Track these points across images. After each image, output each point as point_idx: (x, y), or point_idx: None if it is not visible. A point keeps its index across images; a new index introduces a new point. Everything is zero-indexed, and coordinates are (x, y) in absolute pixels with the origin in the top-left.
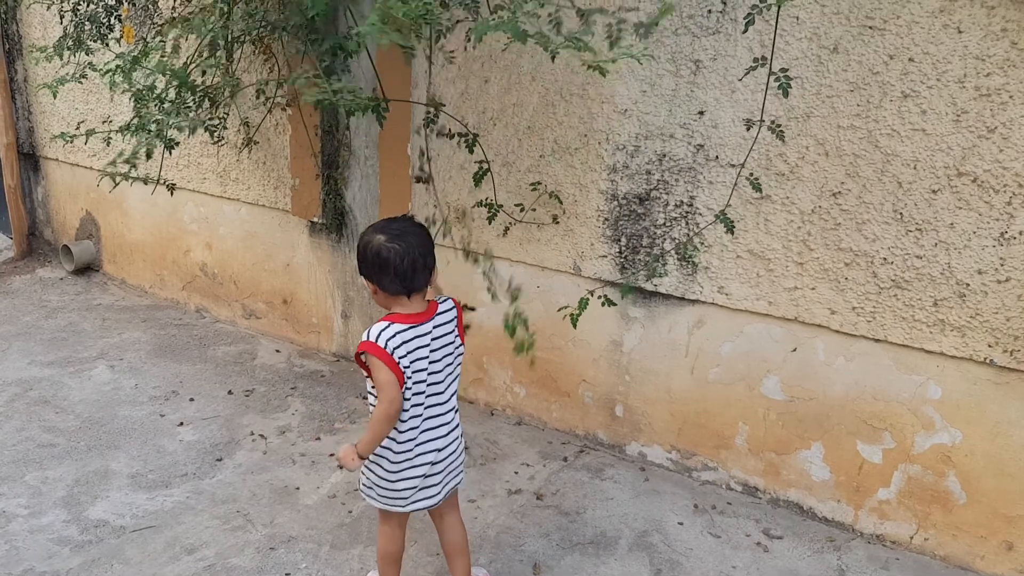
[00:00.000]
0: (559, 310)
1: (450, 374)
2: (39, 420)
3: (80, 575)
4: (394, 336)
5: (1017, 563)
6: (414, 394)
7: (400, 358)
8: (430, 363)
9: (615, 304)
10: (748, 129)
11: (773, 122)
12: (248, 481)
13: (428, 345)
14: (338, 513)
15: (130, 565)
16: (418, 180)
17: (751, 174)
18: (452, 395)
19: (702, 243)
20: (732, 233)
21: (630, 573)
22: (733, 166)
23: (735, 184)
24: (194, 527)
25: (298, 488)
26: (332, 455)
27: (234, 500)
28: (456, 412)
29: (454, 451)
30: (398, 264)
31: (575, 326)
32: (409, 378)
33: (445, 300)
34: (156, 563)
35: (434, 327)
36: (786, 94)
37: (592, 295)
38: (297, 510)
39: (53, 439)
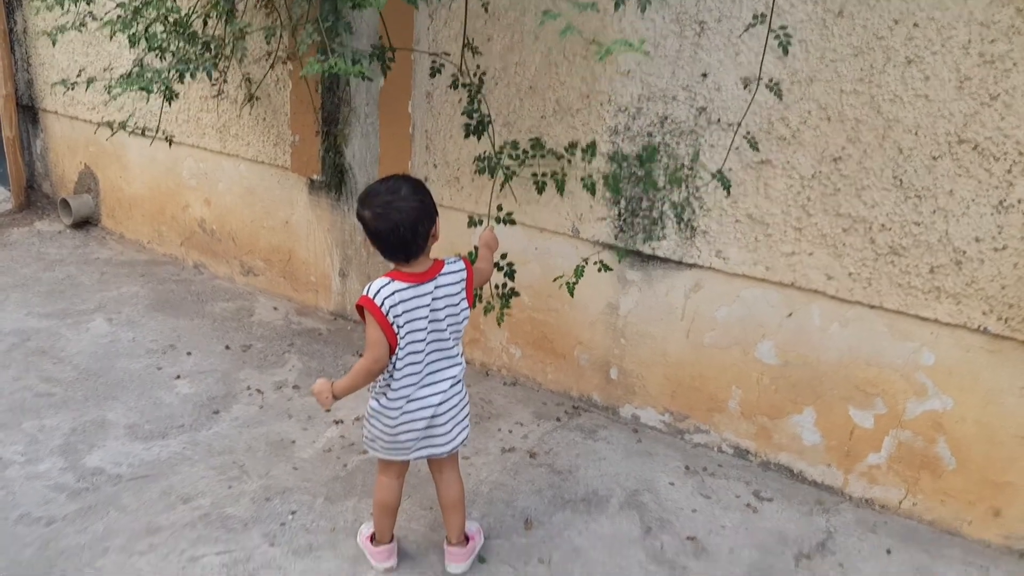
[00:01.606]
0: (555, 280)
1: (454, 333)
2: (36, 370)
3: (76, 521)
4: (392, 295)
5: (1004, 528)
6: (408, 354)
7: (395, 317)
8: (430, 322)
9: (611, 269)
10: (745, 87)
11: (771, 80)
12: (244, 434)
13: (428, 305)
14: (333, 467)
15: (126, 512)
16: (468, 134)
17: (748, 132)
18: (455, 353)
19: (701, 207)
20: (729, 193)
21: (621, 530)
22: (731, 125)
23: (732, 143)
24: (190, 477)
25: (294, 442)
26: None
27: (230, 452)
28: (460, 368)
29: (456, 404)
30: (387, 239)
31: (572, 294)
32: (403, 338)
33: (455, 260)
34: (152, 511)
35: (436, 287)
36: (785, 51)
37: (587, 262)
38: (292, 463)
39: (50, 389)
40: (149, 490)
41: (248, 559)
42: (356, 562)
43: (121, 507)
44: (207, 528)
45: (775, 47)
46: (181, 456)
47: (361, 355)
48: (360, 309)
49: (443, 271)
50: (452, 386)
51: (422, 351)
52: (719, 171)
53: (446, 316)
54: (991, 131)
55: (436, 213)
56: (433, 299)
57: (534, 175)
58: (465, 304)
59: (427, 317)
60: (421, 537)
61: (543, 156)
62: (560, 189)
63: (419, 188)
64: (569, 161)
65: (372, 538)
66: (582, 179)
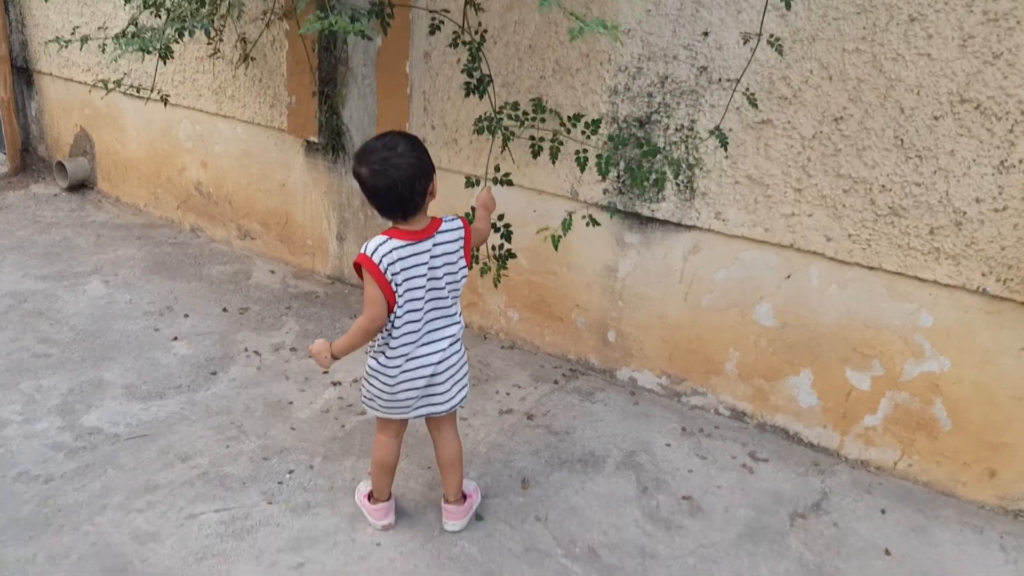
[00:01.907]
0: (538, 231)
1: (452, 292)
2: (33, 331)
3: (74, 479)
4: (390, 252)
5: (999, 490)
6: (406, 312)
7: (394, 275)
8: (428, 280)
9: (599, 224)
10: (745, 43)
11: (772, 37)
12: (242, 395)
13: (427, 263)
14: (331, 427)
15: (124, 471)
16: (468, 93)
17: (748, 91)
18: (453, 312)
19: (701, 168)
20: (726, 149)
21: (617, 490)
22: (730, 81)
23: (731, 102)
24: (188, 436)
25: (291, 403)
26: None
27: (228, 412)
28: (459, 327)
29: (455, 364)
30: (385, 196)
31: (556, 248)
32: (401, 296)
33: (453, 219)
34: (150, 469)
35: (434, 245)
36: (788, 7)
37: (571, 215)
38: (290, 423)
39: (47, 349)
40: (147, 449)
41: (246, 516)
42: (354, 520)
43: (119, 466)
44: (205, 486)
45: (777, 4)
46: (179, 416)
47: (358, 316)
48: (358, 267)
49: (441, 229)
50: (451, 345)
51: (421, 309)
52: (717, 127)
53: (444, 275)
54: (993, 90)
55: (433, 170)
56: (431, 257)
57: (531, 139)
58: (463, 263)
59: (425, 275)
60: (419, 495)
61: (543, 120)
62: (554, 158)
63: (416, 144)
64: (568, 131)
65: (370, 496)
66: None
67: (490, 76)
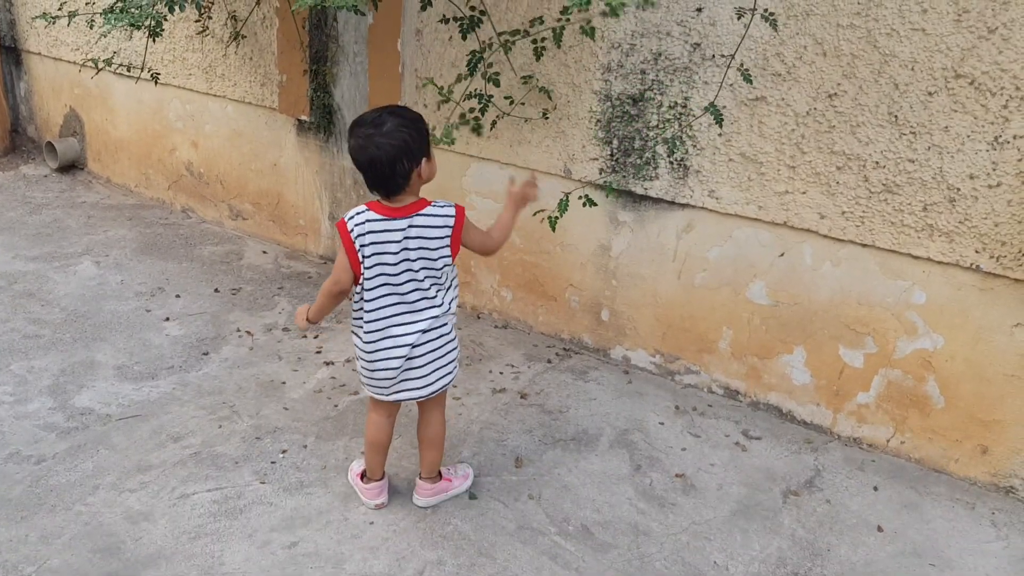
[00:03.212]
0: (534, 213)
1: (429, 277)
2: (24, 312)
3: (66, 459)
4: (363, 223)
5: (990, 467)
6: (376, 286)
7: (362, 245)
8: (402, 260)
9: (595, 204)
10: (739, 18)
11: (767, 11)
12: (234, 375)
13: (399, 241)
14: (324, 407)
15: (116, 451)
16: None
17: (741, 64)
18: (432, 295)
19: (694, 145)
20: (720, 125)
21: (610, 468)
22: (724, 56)
23: (725, 79)
24: (180, 417)
25: (284, 383)
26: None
27: (220, 392)
28: (441, 311)
29: (436, 348)
30: (366, 172)
31: (553, 229)
32: (368, 268)
33: (446, 205)
34: (142, 449)
35: (410, 225)
36: None
37: (567, 196)
38: (283, 403)
39: (38, 331)
40: (139, 429)
41: (239, 496)
42: (347, 499)
43: (111, 446)
44: (198, 466)
45: None
46: (171, 396)
47: (349, 297)
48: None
49: (424, 211)
50: (430, 328)
51: (396, 285)
52: (711, 104)
53: (419, 258)
54: (988, 65)
55: (425, 153)
56: (405, 237)
57: (523, 104)
58: (444, 252)
59: (398, 254)
60: (412, 475)
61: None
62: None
63: (407, 124)
64: (562, 100)
65: (363, 475)
66: (575, 119)
67: (482, 56)
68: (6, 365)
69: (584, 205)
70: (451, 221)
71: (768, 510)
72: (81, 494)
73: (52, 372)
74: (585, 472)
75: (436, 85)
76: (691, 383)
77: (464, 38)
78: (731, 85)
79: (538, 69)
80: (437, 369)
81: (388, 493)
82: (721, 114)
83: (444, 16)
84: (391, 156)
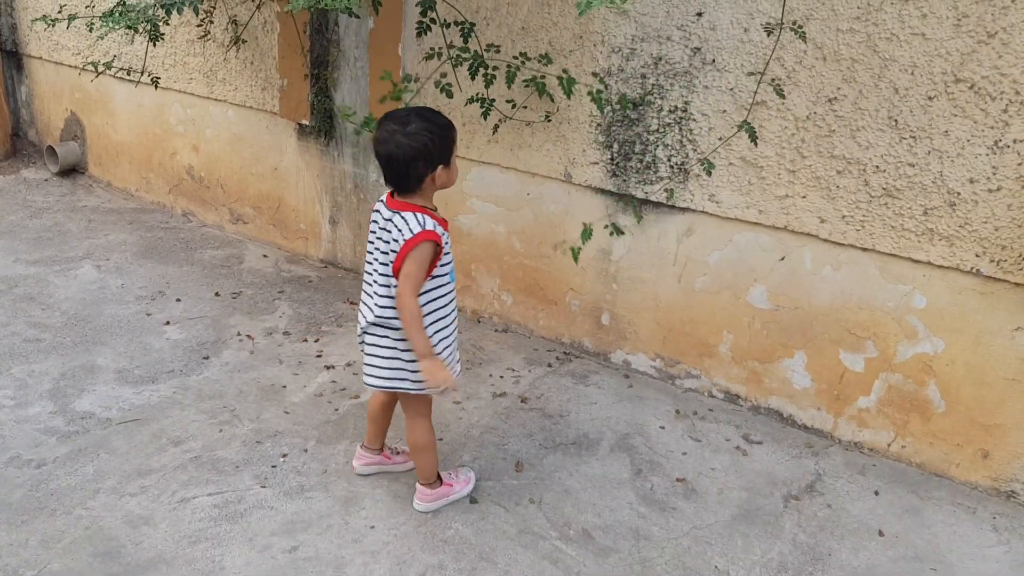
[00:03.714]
0: (555, 247)
1: (379, 272)
2: (25, 316)
3: (67, 463)
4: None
5: (991, 471)
6: (366, 262)
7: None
8: (371, 244)
9: (623, 233)
10: (769, 34)
11: (795, 23)
12: (235, 379)
13: (375, 232)
14: (324, 411)
15: (116, 455)
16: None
17: (774, 78)
18: (373, 292)
19: (695, 150)
20: (755, 143)
21: (611, 472)
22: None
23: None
24: (180, 421)
25: (285, 386)
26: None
27: (221, 396)
28: (381, 309)
29: (370, 344)
30: (384, 166)
31: (576, 261)
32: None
33: (414, 223)
34: (143, 453)
35: (386, 219)
36: None
37: (590, 226)
38: (283, 407)
39: (39, 334)
40: (140, 433)
41: (240, 500)
42: (348, 503)
43: (111, 450)
44: (198, 470)
45: None
46: (171, 400)
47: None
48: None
49: (401, 212)
50: (368, 324)
51: (370, 263)
52: (745, 121)
53: (375, 250)
54: (988, 70)
55: (443, 160)
56: (381, 228)
57: (525, 107)
58: (389, 262)
59: (373, 242)
60: (414, 478)
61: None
62: (552, 133)
63: (432, 129)
64: (563, 104)
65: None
66: (575, 123)
67: (483, 61)
68: (7, 369)
69: (612, 235)
70: (402, 239)
71: (769, 514)
72: (82, 498)
73: (53, 376)
74: (586, 476)
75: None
76: (692, 387)
77: (465, 41)
78: (731, 89)
79: (539, 73)
80: (372, 366)
81: (371, 465)
82: (755, 132)
83: (444, 20)
84: (408, 156)
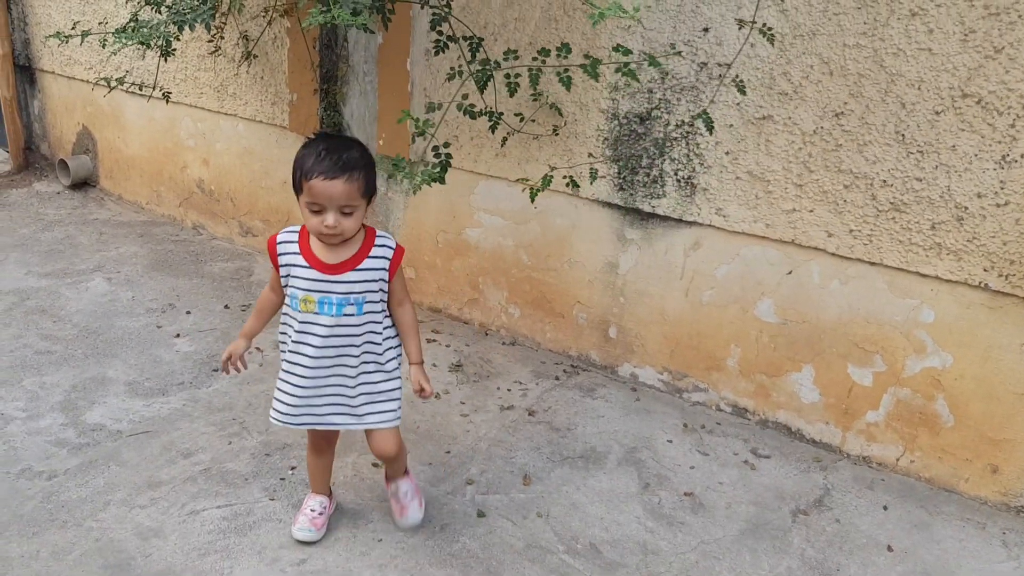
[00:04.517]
0: (523, 190)
1: None
2: (36, 328)
3: (77, 475)
4: None
5: (1001, 486)
6: None
7: None
8: None
9: (578, 186)
10: (740, 28)
11: (764, 25)
12: (244, 391)
13: None
14: None
15: (127, 467)
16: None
17: (737, 76)
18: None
19: (702, 164)
20: (711, 132)
21: (619, 486)
22: (732, 80)
23: (718, 87)
24: (190, 433)
25: None
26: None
27: (230, 408)
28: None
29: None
30: None
31: (532, 201)
32: None
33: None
34: (153, 465)
35: None
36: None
37: (552, 169)
38: None
39: (50, 346)
40: (150, 445)
41: (249, 513)
42: (355, 516)
43: (122, 462)
44: (208, 483)
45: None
46: (181, 413)
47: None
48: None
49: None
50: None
51: None
52: (703, 111)
53: None
54: (995, 85)
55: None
56: None
57: (533, 121)
58: None
59: None
60: (424, 482)
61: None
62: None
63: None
64: (570, 118)
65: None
66: (582, 137)
67: (492, 74)
68: (18, 381)
69: (567, 185)
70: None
71: (777, 529)
72: (92, 510)
73: (64, 388)
74: (593, 490)
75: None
76: (699, 401)
77: (473, 56)
78: (738, 104)
79: (546, 90)
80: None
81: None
82: (712, 121)
83: (453, 33)
84: None
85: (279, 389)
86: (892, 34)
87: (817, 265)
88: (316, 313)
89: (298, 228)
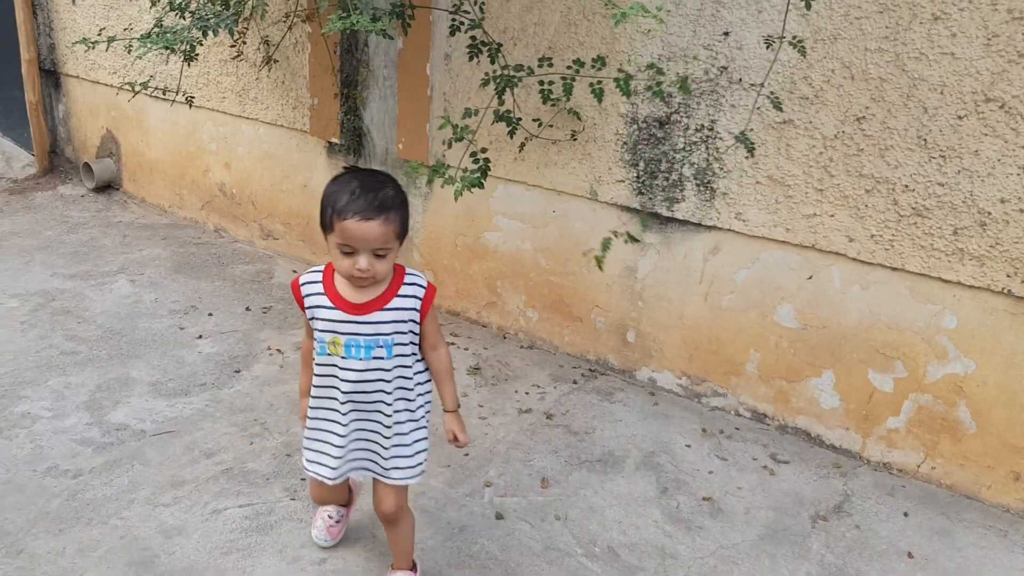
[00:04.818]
0: (584, 253)
1: None
2: (62, 329)
3: (102, 473)
4: None
5: (1023, 493)
6: None
7: None
8: None
9: (638, 241)
10: (768, 47)
11: (794, 38)
12: (265, 392)
13: None
14: None
15: (150, 466)
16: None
17: (770, 92)
18: None
19: (721, 168)
20: (752, 155)
21: (637, 490)
22: (754, 86)
23: (754, 103)
24: (212, 433)
25: None
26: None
27: (251, 409)
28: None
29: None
30: None
31: (601, 269)
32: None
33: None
34: (176, 465)
35: None
36: (808, 7)
37: (615, 235)
38: None
39: (75, 347)
40: (172, 445)
41: (270, 512)
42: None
43: (145, 461)
44: (230, 482)
45: (798, 4)
46: (204, 413)
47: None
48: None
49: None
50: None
51: None
52: (742, 133)
53: None
54: (1018, 89)
55: (324, 225)
56: None
57: (551, 126)
58: None
59: None
60: (439, 493)
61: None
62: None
63: (327, 188)
64: (589, 122)
65: None
66: (601, 141)
67: (511, 79)
68: (44, 381)
69: (627, 243)
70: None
71: (796, 535)
72: (117, 508)
73: (89, 388)
74: (611, 494)
75: (452, 123)
76: (718, 405)
77: (492, 61)
78: (758, 108)
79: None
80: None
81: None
82: (753, 144)
83: (474, 38)
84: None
85: (314, 439)
86: (914, 38)
87: (838, 270)
88: (343, 357)
89: (322, 268)
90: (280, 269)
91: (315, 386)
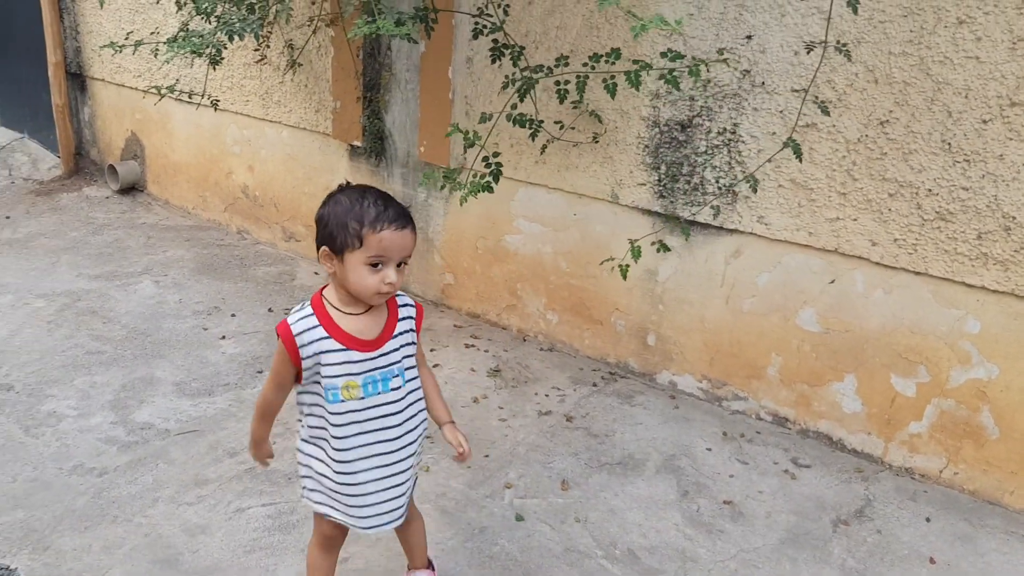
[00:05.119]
0: (602, 262)
1: None
2: (87, 329)
3: (127, 472)
4: None
5: None
6: None
7: None
8: None
9: (669, 250)
10: (809, 52)
11: (838, 41)
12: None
13: None
14: None
15: (174, 465)
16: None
17: (817, 96)
18: None
19: (744, 172)
20: (800, 160)
21: (657, 493)
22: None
23: (800, 110)
24: (236, 433)
25: None
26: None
27: None
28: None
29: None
30: None
31: (625, 278)
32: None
33: (300, 305)
34: (199, 464)
35: None
36: (855, 11)
37: (634, 243)
38: None
39: (101, 347)
40: (196, 444)
41: (292, 511)
42: None
43: (170, 460)
44: (253, 481)
45: (823, 8)
46: (227, 412)
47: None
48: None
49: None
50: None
51: None
52: (791, 138)
53: None
54: None
55: (327, 244)
56: None
57: (573, 128)
58: None
59: None
60: (459, 494)
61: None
62: (600, 154)
63: (329, 205)
64: (610, 126)
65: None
66: (623, 144)
67: (531, 76)
68: (70, 380)
69: (659, 252)
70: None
71: (818, 539)
72: (141, 506)
73: (113, 387)
74: (631, 496)
75: (462, 131)
76: (739, 409)
77: (515, 64)
78: (780, 111)
79: (587, 97)
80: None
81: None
82: (800, 149)
83: (496, 41)
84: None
85: (362, 494)
86: (939, 42)
87: (861, 274)
88: (362, 398)
89: (308, 309)
90: (302, 271)
91: (338, 449)
